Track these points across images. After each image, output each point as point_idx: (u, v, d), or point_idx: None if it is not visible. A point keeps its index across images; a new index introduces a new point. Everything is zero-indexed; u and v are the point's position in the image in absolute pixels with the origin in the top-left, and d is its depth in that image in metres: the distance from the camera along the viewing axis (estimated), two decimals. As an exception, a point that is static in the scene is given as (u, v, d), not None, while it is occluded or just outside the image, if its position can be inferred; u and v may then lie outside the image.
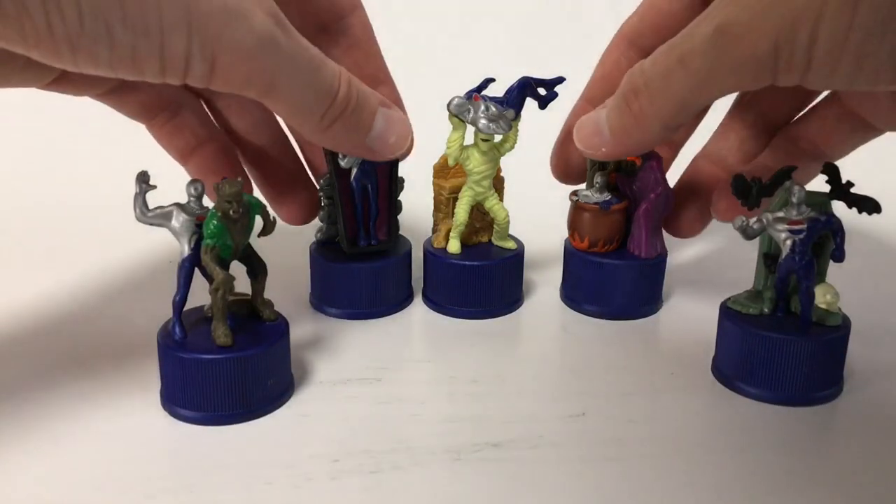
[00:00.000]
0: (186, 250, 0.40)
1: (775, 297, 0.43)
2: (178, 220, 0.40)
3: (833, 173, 0.41)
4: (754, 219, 0.42)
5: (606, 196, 0.52)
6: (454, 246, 0.52)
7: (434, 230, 0.55)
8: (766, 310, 0.43)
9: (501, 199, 0.54)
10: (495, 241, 0.54)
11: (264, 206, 0.42)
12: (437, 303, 0.53)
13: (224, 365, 0.39)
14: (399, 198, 0.53)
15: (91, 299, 0.48)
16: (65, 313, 0.51)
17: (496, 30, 0.96)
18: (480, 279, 0.52)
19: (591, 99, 0.51)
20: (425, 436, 0.39)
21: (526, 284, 0.56)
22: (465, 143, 0.50)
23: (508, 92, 0.49)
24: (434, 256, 0.53)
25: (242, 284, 0.43)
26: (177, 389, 0.40)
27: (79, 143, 0.82)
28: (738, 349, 0.42)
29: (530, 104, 0.49)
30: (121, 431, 0.39)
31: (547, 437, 0.39)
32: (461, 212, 0.51)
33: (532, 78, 0.49)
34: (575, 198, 0.53)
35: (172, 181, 0.41)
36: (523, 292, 0.56)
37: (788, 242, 0.40)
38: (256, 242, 0.42)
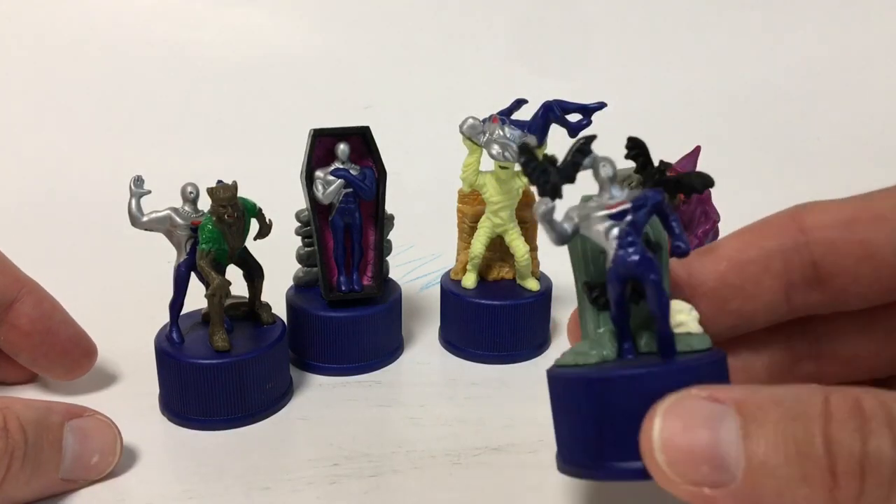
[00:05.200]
0: (182, 255, 0.40)
1: (617, 332, 0.28)
2: (173, 224, 0.40)
3: (642, 150, 0.29)
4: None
5: None
6: (469, 280, 0.48)
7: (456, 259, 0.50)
8: (606, 354, 0.28)
9: (535, 234, 0.49)
10: (517, 280, 0.48)
11: (260, 210, 0.42)
12: (451, 343, 0.49)
13: (222, 369, 0.39)
14: (388, 237, 0.48)
15: (88, 304, 0.47)
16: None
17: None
18: (489, 319, 0.46)
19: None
20: (425, 439, 0.39)
21: (555, 327, 0.51)
22: (483, 169, 0.46)
23: (534, 116, 0.44)
24: (444, 289, 0.49)
25: (240, 287, 0.43)
26: (175, 394, 0.40)
27: (76, 146, 0.82)
28: (591, 415, 0.26)
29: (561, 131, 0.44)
30: (119, 437, 0.39)
31: (547, 441, 0.39)
32: (477, 244, 0.47)
33: (563, 102, 0.44)
34: None
35: (167, 185, 0.41)
36: (550, 337, 0.50)
37: (614, 232, 0.27)
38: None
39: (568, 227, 0.27)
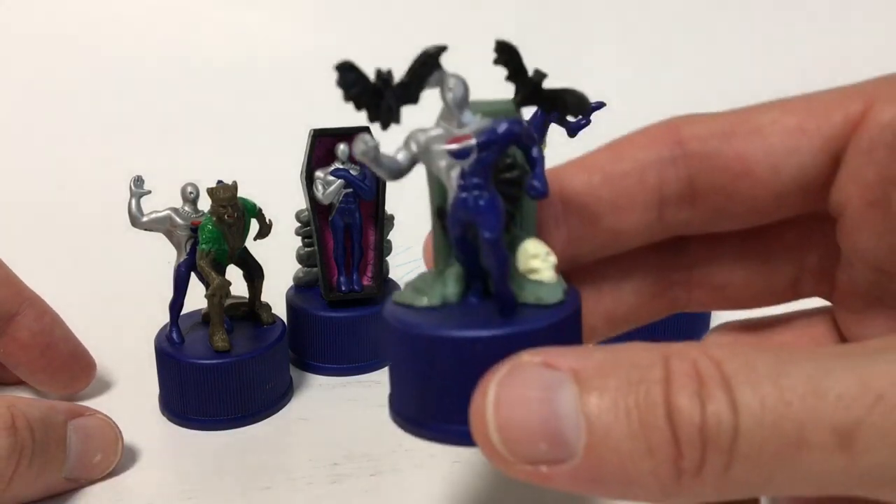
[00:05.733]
0: (182, 255, 0.40)
1: (463, 274, 0.25)
2: (172, 224, 0.40)
3: (512, 57, 0.24)
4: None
5: None
6: None
7: None
8: (448, 294, 0.25)
9: None
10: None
11: (260, 210, 0.42)
12: None
13: (222, 369, 0.39)
14: (388, 237, 0.48)
15: (88, 304, 0.48)
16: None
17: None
18: None
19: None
20: (425, 438, 0.39)
21: None
22: None
23: (532, 115, 0.44)
24: None
25: (240, 287, 0.43)
26: (175, 394, 0.40)
27: (76, 146, 0.82)
28: (418, 370, 0.23)
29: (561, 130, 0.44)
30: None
31: (547, 439, 0.39)
32: None
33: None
34: None
35: (167, 185, 0.41)
36: None
37: (455, 172, 0.23)
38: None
39: (403, 158, 0.23)
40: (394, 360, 0.24)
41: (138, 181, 0.39)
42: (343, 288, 0.45)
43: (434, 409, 0.23)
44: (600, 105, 0.44)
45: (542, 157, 0.23)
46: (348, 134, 0.44)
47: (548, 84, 0.24)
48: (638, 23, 0.98)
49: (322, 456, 0.38)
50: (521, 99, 0.24)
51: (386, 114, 0.22)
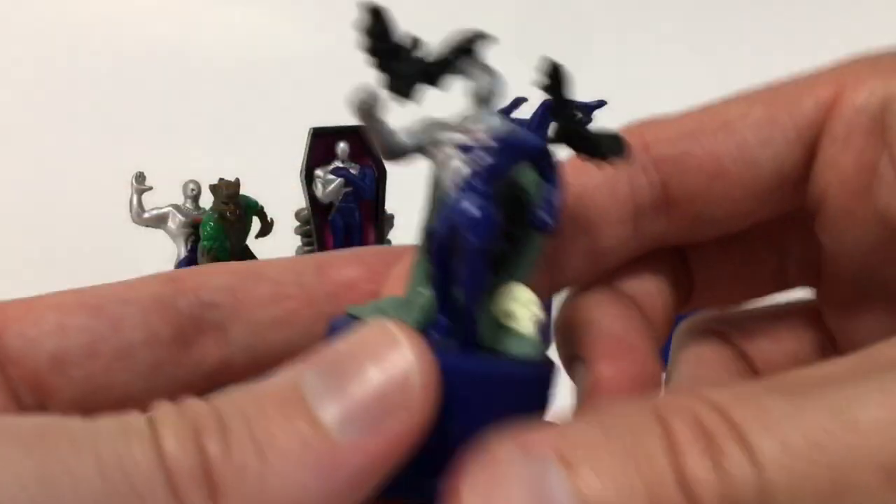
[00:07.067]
0: (182, 252, 0.40)
1: (431, 305, 0.20)
2: (173, 221, 0.40)
3: (560, 86, 0.20)
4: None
5: None
6: None
7: None
8: (410, 322, 0.20)
9: None
10: None
11: (261, 207, 0.42)
12: None
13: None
14: (388, 237, 0.48)
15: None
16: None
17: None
18: None
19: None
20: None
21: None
22: None
23: (532, 117, 0.45)
24: None
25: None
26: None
27: (77, 144, 0.82)
28: None
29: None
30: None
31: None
32: None
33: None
34: None
35: (167, 185, 0.41)
36: (550, 334, 0.51)
37: (455, 165, 0.19)
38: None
39: (407, 140, 0.19)
40: None
41: (140, 177, 0.39)
42: None
43: None
44: (601, 104, 0.45)
45: (558, 191, 0.20)
46: (347, 132, 0.44)
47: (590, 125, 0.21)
48: (639, 21, 0.98)
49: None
50: (559, 136, 0.21)
51: (400, 83, 0.18)
